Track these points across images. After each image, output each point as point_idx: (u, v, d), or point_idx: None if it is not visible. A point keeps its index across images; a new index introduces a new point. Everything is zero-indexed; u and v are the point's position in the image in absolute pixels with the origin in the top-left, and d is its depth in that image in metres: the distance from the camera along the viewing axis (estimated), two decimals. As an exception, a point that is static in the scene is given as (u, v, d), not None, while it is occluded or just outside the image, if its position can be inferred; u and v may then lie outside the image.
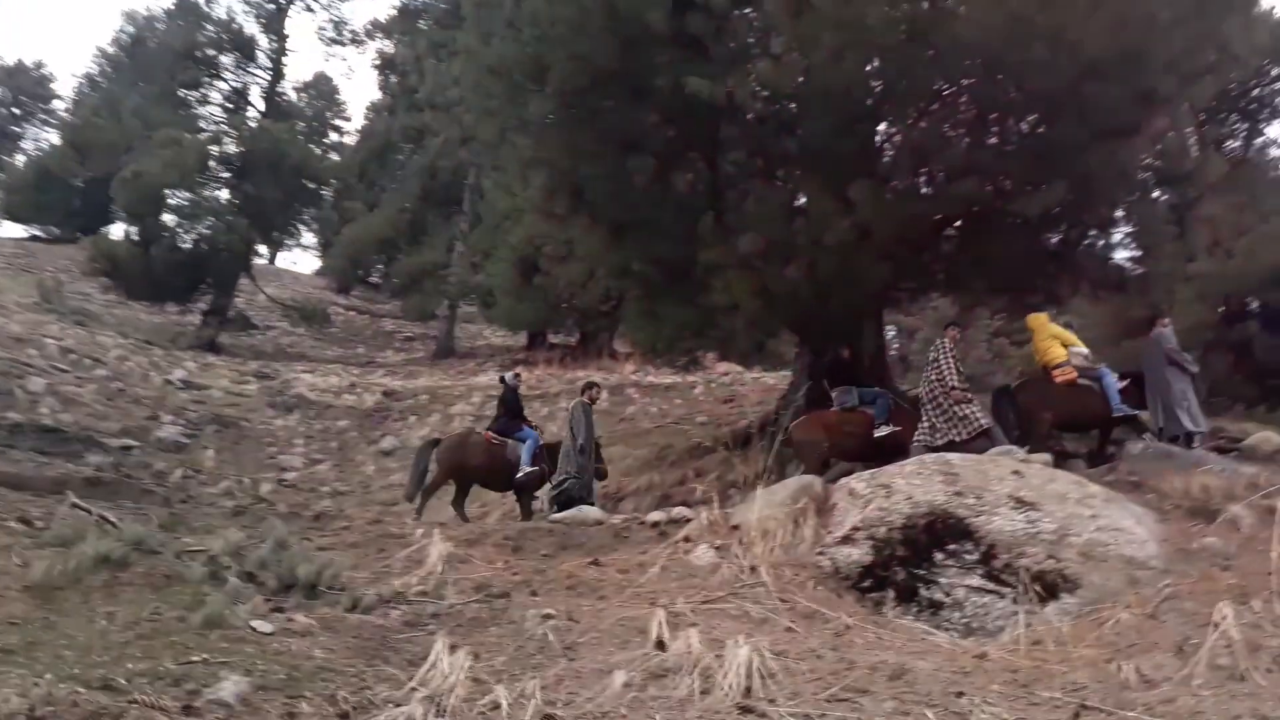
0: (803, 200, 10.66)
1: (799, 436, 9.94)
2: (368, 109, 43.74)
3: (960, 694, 4.62)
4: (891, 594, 6.38)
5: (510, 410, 11.09)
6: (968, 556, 6.35)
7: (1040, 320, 10.10)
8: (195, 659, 4.59)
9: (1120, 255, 12.09)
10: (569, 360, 24.47)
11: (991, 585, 6.17)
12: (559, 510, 9.46)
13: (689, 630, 5.17)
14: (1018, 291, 11.58)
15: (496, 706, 4.41)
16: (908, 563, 6.45)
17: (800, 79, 9.53)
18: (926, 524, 6.56)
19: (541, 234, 17.28)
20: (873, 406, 9.89)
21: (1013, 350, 26.68)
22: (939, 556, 6.41)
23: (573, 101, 10.52)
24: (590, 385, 11.02)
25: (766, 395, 17.16)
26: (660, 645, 5.11)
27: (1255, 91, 21.64)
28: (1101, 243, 11.44)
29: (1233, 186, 19.35)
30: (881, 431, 9.62)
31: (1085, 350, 9.85)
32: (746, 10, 10.61)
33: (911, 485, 6.94)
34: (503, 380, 11.85)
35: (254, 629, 5.18)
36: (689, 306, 11.74)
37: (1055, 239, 11.05)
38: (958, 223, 11.10)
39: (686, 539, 7.31)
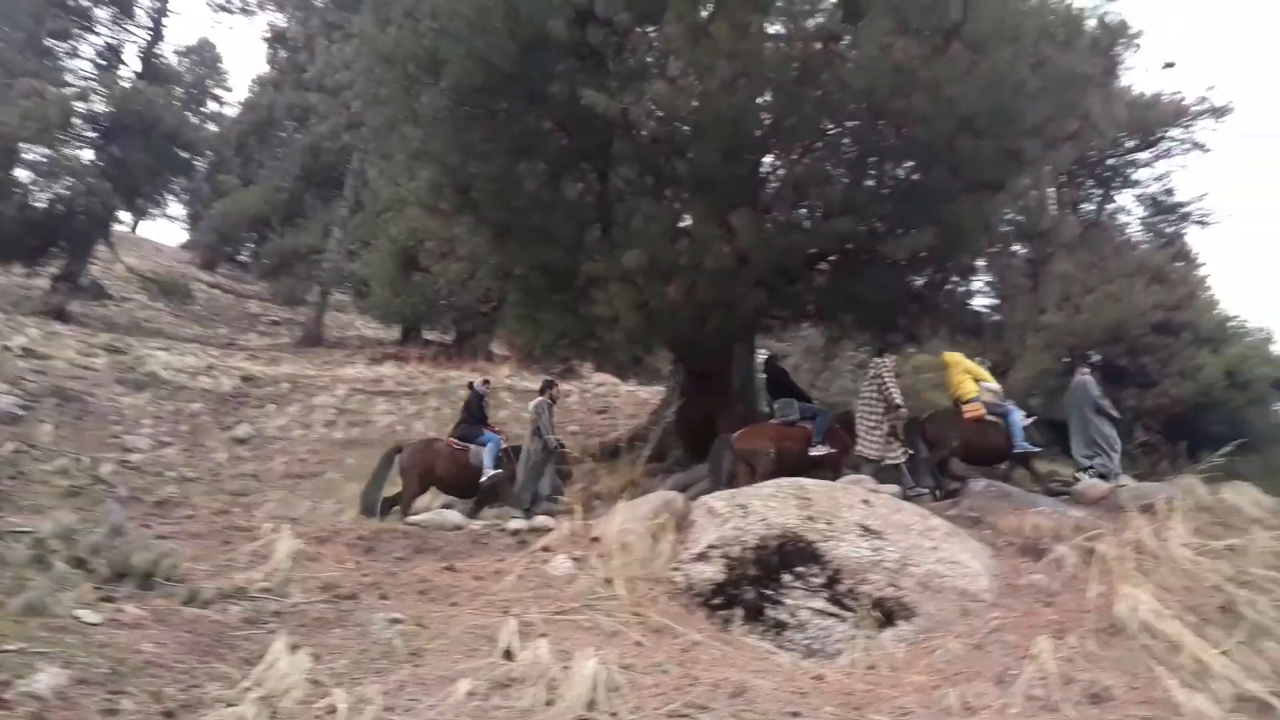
0: (688, 222, 10.83)
1: (746, 446, 10.04)
2: (253, 82, 41.85)
3: (796, 714, 4.79)
4: (740, 612, 6.53)
5: (473, 416, 10.97)
6: (814, 580, 6.57)
7: (955, 357, 10.58)
8: (10, 648, 4.32)
9: (979, 302, 12.81)
10: (443, 359, 24.04)
11: (834, 609, 6.40)
12: (526, 511, 9.25)
13: (539, 640, 5.18)
14: (882, 328, 12.08)
15: (333, 711, 4.31)
16: (758, 582, 6.62)
17: (694, 103, 9.71)
18: (778, 546, 6.76)
19: (424, 229, 16.97)
20: (812, 423, 10.18)
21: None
22: (787, 578, 6.61)
23: (466, 99, 10.40)
24: (550, 384, 10.84)
25: (640, 409, 17.31)
26: (508, 655, 5.10)
27: (1110, 161, 23.31)
28: (962, 289, 12.04)
29: (1084, 247, 20.79)
30: (817, 451, 9.92)
31: (996, 387, 10.40)
32: (648, 29, 10.74)
33: (768, 507, 7.14)
34: (470, 386, 11.64)
35: (78, 619, 4.92)
36: (569, 315, 11.76)
37: (920, 281, 11.57)
38: (832, 257, 11.49)
39: (546, 548, 7.31)
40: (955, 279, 11.66)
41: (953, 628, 6.12)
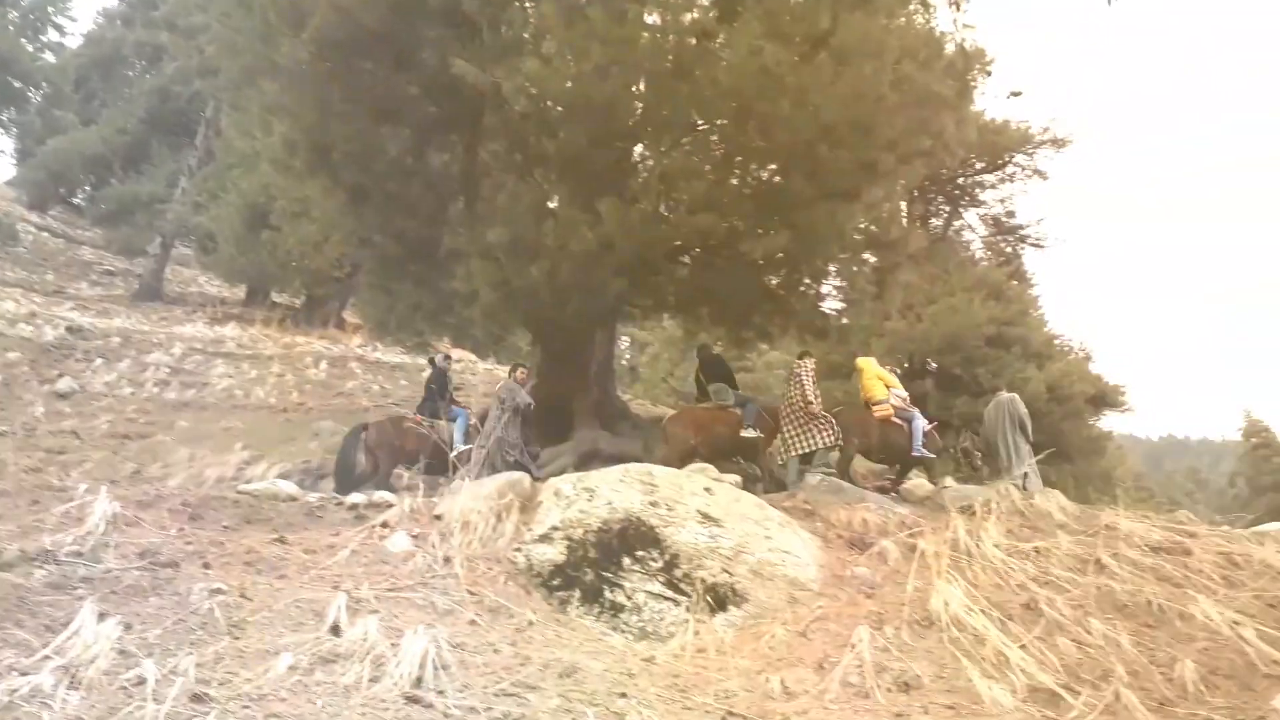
0: (555, 204, 10.77)
1: (670, 428, 10.84)
2: (99, 14, 38.91)
3: (623, 694, 4.86)
4: (578, 594, 6.57)
5: (439, 392, 11.06)
6: (653, 564, 6.68)
7: (868, 362, 11.61)
8: None
9: (828, 305, 13.30)
10: (290, 323, 23.11)
11: (670, 593, 6.52)
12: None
13: (369, 617, 5.06)
14: (737, 323, 12.38)
15: (141, 682, 4.09)
16: (597, 565, 6.67)
17: (568, 84, 9.65)
18: (621, 529, 6.83)
19: (277, 186, 16.22)
20: (742, 410, 10.93)
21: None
22: (627, 561, 6.69)
23: (329, 54, 10.00)
24: (518, 366, 11.04)
25: (495, 387, 17.13)
26: (335, 630, 4.96)
27: (960, 180, 24.61)
28: (814, 291, 12.44)
29: (930, 260, 21.90)
30: (749, 434, 10.66)
31: (904, 393, 11.36)
32: (525, 2, 10.60)
33: (614, 491, 7.20)
34: (431, 362, 11.67)
35: None
36: (426, 288, 11.51)
37: (775, 281, 11.90)
38: (694, 251, 11.67)
39: (385, 524, 7.13)
40: (808, 281, 12.03)
41: (780, 615, 6.34)
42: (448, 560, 6.43)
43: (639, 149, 11.37)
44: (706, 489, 7.55)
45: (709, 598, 6.48)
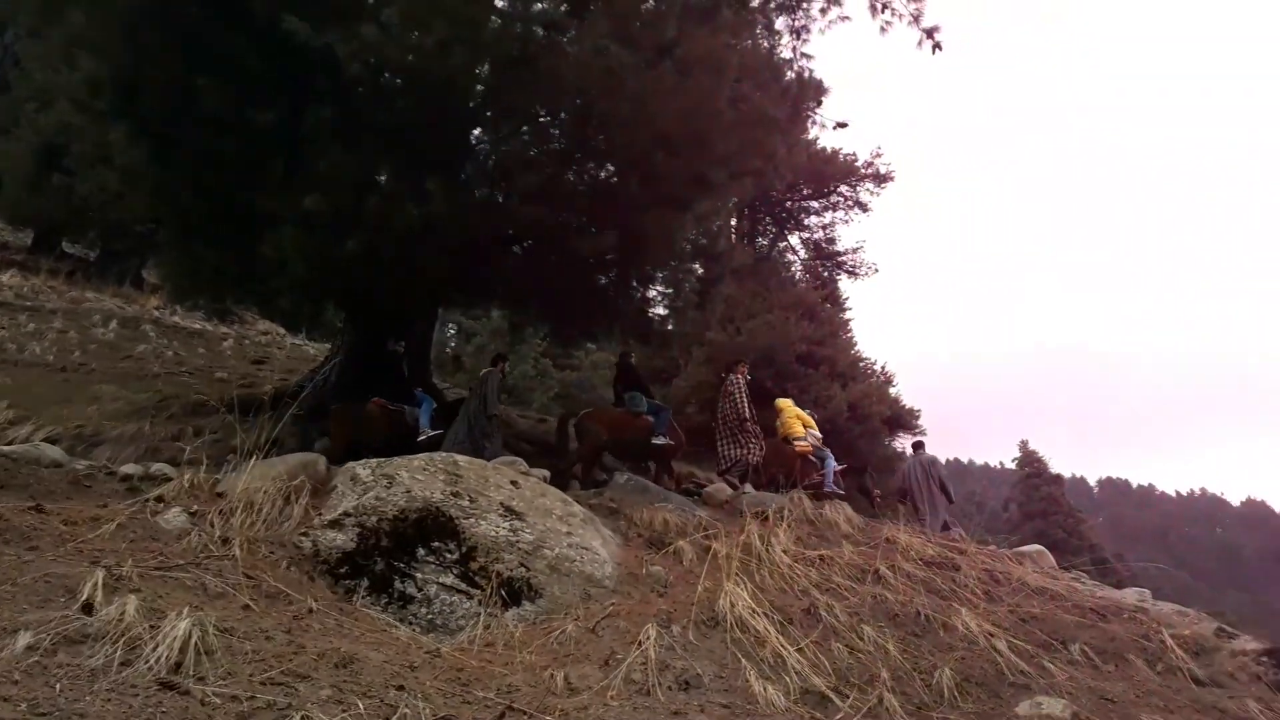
0: (381, 178, 10.38)
1: (585, 424, 11.10)
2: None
3: (400, 687, 4.71)
4: (366, 583, 6.34)
5: (397, 376, 11.27)
6: (449, 555, 6.54)
7: (787, 403, 12.81)
8: None
9: (653, 311, 13.51)
10: (80, 277, 21.27)
11: (464, 586, 6.41)
12: None
13: (128, 596, 4.67)
14: (562, 320, 12.37)
15: None
16: (390, 554, 6.47)
17: (408, 57, 9.32)
18: (418, 519, 6.66)
19: (75, 127, 14.82)
20: (655, 417, 11.34)
21: (555, 371, 28.52)
22: (422, 552, 6.53)
23: (144, -12, 9.23)
24: (501, 358, 11.42)
25: (301, 364, 16.39)
26: (87, 609, 4.55)
27: (788, 203, 25.74)
28: (640, 295, 12.61)
29: (753, 276, 22.72)
30: (659, 440, 11.12)
31: (819, 435, 12.49)
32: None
33: (415, 479, 7.02)
34: (389, 349, 11.69)
35: None
36: (233, 252, 10.81)
37: (603, 281, 11.98)
38: (525, 242, 11.57)
39: (160, 499, 6.64)
40: (635, 285, 12.18)
41: (573, 611, 6.35)
42: (226, 541, 6.05)
43: (477, 132, 11.15)
44: (513, 482, 7.48)
45: (503, 592, 6.41)
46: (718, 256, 13.94)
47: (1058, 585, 8.24)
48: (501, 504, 6.98)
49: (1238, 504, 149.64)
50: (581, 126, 10.16)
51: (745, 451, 11.25)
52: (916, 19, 11.80)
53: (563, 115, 10.56)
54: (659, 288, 12.89)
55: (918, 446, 13.69)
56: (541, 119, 10.78)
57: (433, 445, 10.38)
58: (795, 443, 11.84)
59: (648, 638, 5.71)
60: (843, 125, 15.59)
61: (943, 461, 13.12)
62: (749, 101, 10.17)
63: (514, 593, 6.44)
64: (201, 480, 6.97)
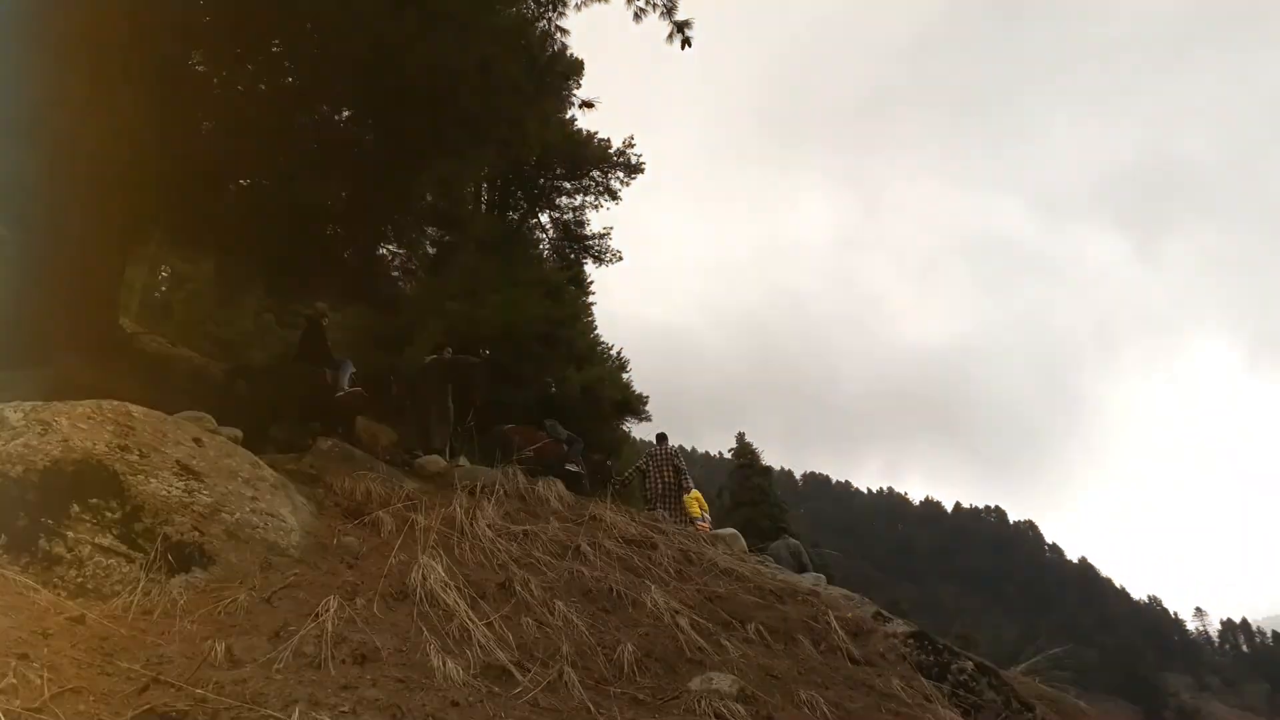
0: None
1: (508, 435, 11.78)
2: None
3: (24, 655, 4.17)
4: (4, 540, 5.56)
5: (314, 344, 10.74)
6: (109, 515, 5.87)
7: (696, 494, 13.93)
8: None
9: (384, 273, 12.95)
10: None
11: (124, 548, 5.77)
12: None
13: None
14: (278, 271, 11.54)
15: None
16: (36, 510, 5.70)
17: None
18: (75, 472, 5.92)
19: None
20: (569, 446, 12.38)
21: (278, 328, 26.74)
22: (77, 509, 5.81)
23: None
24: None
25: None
26: None
27: (541, 180, 25.64)
28: (368, 254, 12.05)
29: (499, 249, 22.45)
30: (571, 468, 11.98)
31: (709, 519, 13.81)
32: None
33: (77, 428, 6.23)
34: (308, 318, 10.93)
35: None
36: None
37: (327, 234, 11.32)
38: (243, 181, 10.68)
39: None
40: (362, 241, 11.62)
41: (250, 580, 5.91)
42: None
43: (197, 55, 10.12)
44: (196, 439, 6.86)
45: (170, 556, 5.84)
46: (459, 223, 13.61)
47: (744, 568, 8.76)
48: (178, 462, 6.37)
49: (918, 503, 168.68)
50: (317, 67, 9.49)
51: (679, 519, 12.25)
52: (669, 11, 11.77)
53: (301, 46, 9.80)
54: (391, 247, 12.36)
55: (661, 439, 14.65)
56: (275, 49, 9.96)
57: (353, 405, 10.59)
58: (696, 523, 12.64)
59: (327, 610, 5.41)
60: (589, 105, 15.59)
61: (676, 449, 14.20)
62: (497, 65, 9.92)
63: (183, 558, 5.89)
64: None
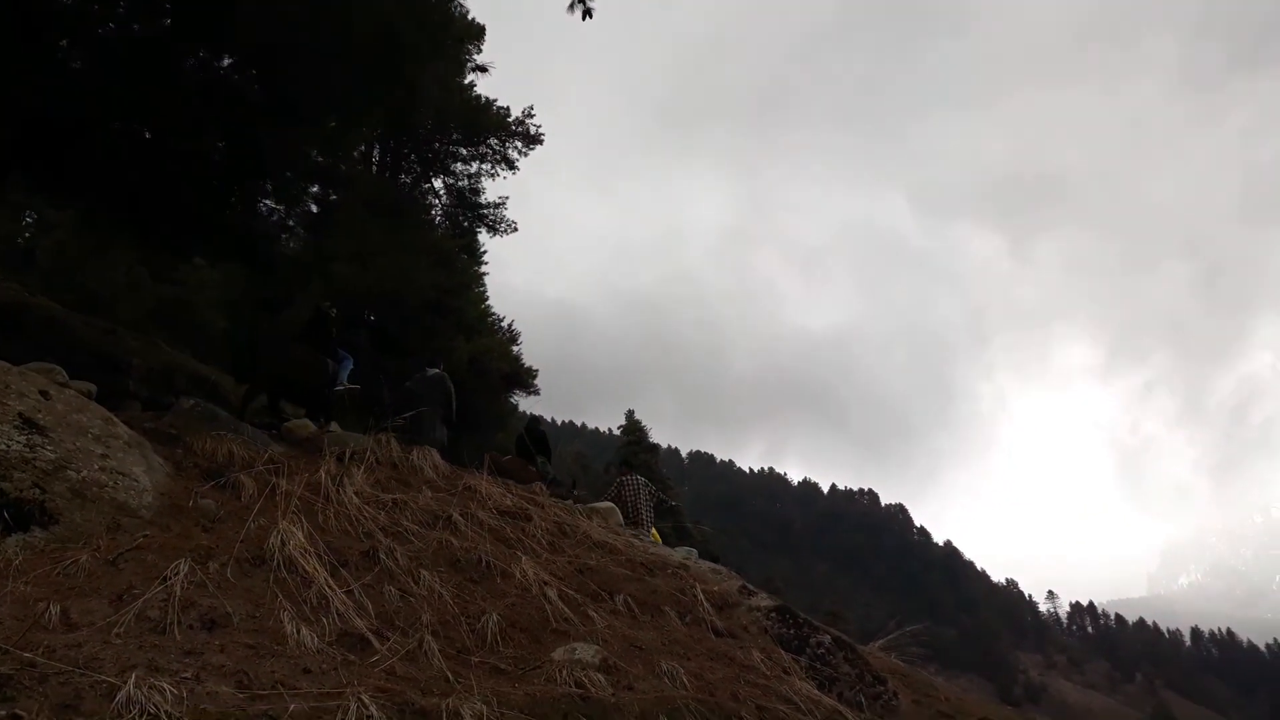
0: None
1: (497, 461, 11.59)
2: None
3: None
4: None
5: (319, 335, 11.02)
6: (-62, 470, 5.52)
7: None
8: None
9: (263, 231, 12.40)
10: None
11: (-46, 505, 5.43)
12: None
13: None
14: (147, 226, 10.93)
15: None
16: None
17: None
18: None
19: None
20: (547, 484, 12.17)
21: (152, 283, 25.44)
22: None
23: None
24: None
25: None
26: None
27: (436, 144, 25.04)
28: (247, 211, 11.56)
29: (390, 213, 21.89)
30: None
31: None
32: None
33: (-94, 376, 5.83)
34: (317, 309, 11.40)
35: None
36: None
37: (206, 186, 10.79)
38: (112, 125, 10.06)
39: None
40: (241, 196, 11.14)
41: (94, 541, 5.63)
42: None
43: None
44: (44, 392, 6.48)
45: (8, 514, 5.52)
46: (347, 182, 13.19)
47: (618, 541, 8.84)
48: (21, 415, 6.01)
49: (796, 483, 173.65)
50: (194, 10, 9.00)
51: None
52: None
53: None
54: (270, 202, 11.83)
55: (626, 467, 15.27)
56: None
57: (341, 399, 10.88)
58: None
59: (176, 573, 5.21)
60: (483, 69, 15.26)
61: (546, 422, 14.35)
62: (391, 21, 9.60)
63: (21, 516, 5.56)
64: None
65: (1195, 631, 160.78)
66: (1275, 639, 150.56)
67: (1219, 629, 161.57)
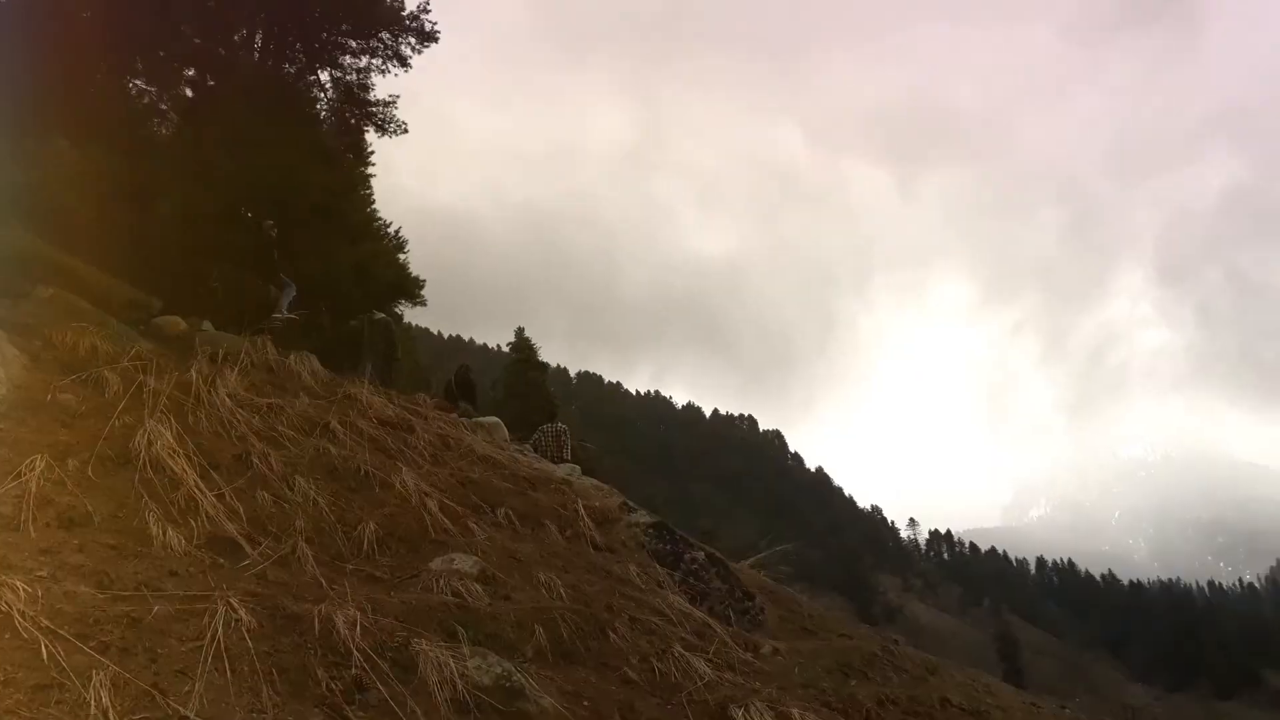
0: None
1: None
2: None
3: None
4: None
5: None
6: None
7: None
8: None
9: (136, 113, 11.60)
10: None
11: None
12: None
13: None
14: (11, 96, 10.06)
15: None
16: None
17: None
18: None
19: None
20: None
21: (11, 165, 23.47)
22: None
23: None
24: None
25: None
26: None
27: (324, 34, 23.59)
28: (115, 89, 10.75)
29: (270, 103, 20.63)
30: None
31: None
32: None
33: None
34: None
35: None
36: None
37: (71, 57, 9.94)
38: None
39: None
40: (108, 72, 10.34)
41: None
42: None
43: None
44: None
45: None
46: (226, 67, 12.39)
47: (502, 455, 8.85)
48: None
49: (680, 407, 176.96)
50: None
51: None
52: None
53: None
54: (140, 82, 10.99)
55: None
56: None
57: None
58: None
59: (32, 469, 4.94)
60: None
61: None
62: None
63: None
64: None
65: (1040, 561, 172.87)
66: (1109, 570, 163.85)
67: (1061, 559, 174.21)
